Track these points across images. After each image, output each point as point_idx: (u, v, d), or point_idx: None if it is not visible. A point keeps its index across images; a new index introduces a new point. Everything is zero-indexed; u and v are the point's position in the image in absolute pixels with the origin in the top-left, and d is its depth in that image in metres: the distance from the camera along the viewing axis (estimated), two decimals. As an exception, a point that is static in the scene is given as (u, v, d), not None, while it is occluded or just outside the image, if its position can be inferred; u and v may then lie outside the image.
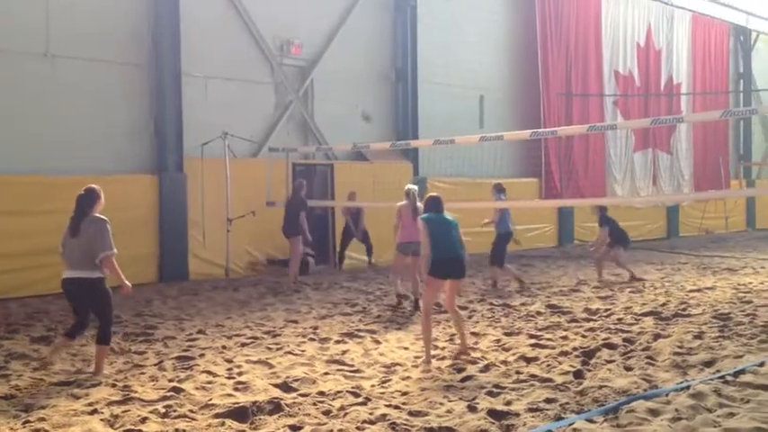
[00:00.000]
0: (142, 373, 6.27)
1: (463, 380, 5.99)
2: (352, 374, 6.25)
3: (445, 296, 7.16)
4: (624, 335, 7.57)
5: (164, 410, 5.12)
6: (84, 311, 6.37)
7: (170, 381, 5.96)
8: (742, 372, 5.88)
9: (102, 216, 6.31)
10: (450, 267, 6.79)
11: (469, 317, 8.98)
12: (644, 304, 9.54)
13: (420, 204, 9.13)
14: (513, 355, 6.83)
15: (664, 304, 9.52)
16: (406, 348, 7.28)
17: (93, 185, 6.47)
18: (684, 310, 9.04)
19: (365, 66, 15.53)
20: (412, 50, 15.99)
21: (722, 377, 5.74)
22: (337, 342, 7.58)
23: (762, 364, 6.08)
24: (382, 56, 15.89)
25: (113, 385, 5.84)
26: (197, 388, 5.72)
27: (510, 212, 11.75)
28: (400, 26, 15.95)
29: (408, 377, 6.14)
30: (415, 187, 10.01)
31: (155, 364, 6.59)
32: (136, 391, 5.61)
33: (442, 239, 6.80)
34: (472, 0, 17.38)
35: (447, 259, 6.75)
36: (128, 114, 12.16)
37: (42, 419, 4.96)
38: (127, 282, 6.30)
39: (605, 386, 5.58)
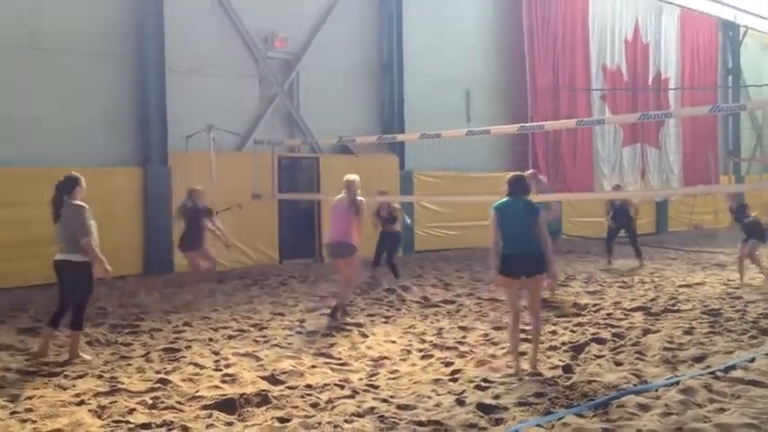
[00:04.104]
0: (129, 365, 6.23)
1: (452, 374, 5.96)
2: (339, 367, 6.22)
3: (527, 299, 6.33)
4: (613, 330, 7.57)
5: (151, 402, 5.09)
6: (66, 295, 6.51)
7: (157, 372, 5.93)
8: (732, 367, 5.90)
9: (79, 203, 6.42)
10: (521, 264, 5.97)
11: (457, 311, 8.97)
12: (633, 299, 9.55)
13: (361, 198, 8.54)
14: (502, 349, 6.80)
15: (653, 299, 9.53)
16: (393, 342, 7.25)
17: (74, 173, 6.62)
18: (674, 305, 9.04)
19: (351, 59, 15.44)
20: (398, 43, 15.91)
21: (712, 373, 5.76)
22: (324, 335, 7.54)
23: (752, 360, 6.10)
24: (368, 49, 15.80)
25: (100, 376, 5.81)
26: (184, 380, 5.69)
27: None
28: (386, 19, 15.87)
29: (396, 370, 6.11)
30: (356, 177, 8.65)
31: (141, 356, 6.55)
32: (123, 383, 5.58)
33: (513, 231, 5.99)
34: (459, -7, 17.36)
35: (516, 255, 5.95)
36: (112, 107, 12.04)
37: (29, 410, 4.93)
38: (108, 267, 6.43)
39: (595, 381, 5.58)
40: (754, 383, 5.43)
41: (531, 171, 10.17)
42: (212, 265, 10.21)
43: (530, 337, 6.48)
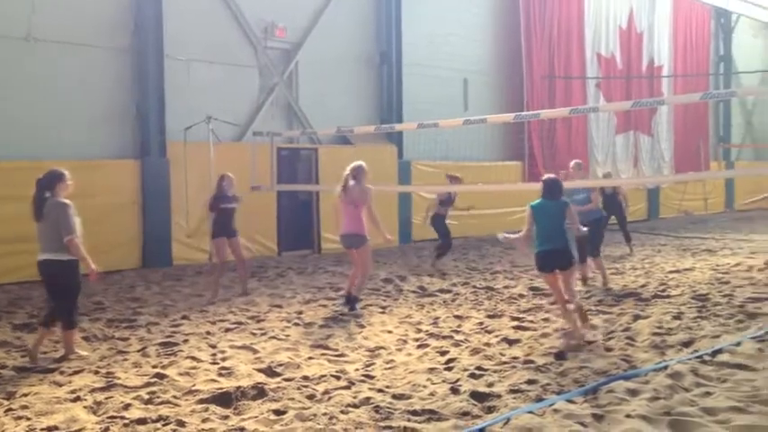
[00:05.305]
0: (125, 360, 6.27)
1: (447, 363, 6.04)
2: (336, 359, 6.28)
3: (563, 288, 6.91)
4: (605, 316, 7.68)
5: (147, 397, 5.13)
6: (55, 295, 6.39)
7: (153, 367, 5.97)
8: (719, 351, 5.99)
9: (62, 200, 6.28)
10: (553, 259, 6.75)
11: (453, 300, 9.05)
12: (624, 285, 9.67)
13: (369, 186, 8.48)
14: (496, 337, 6.89)
15: (644, 285, 9.65)
16: (389, 332, 7.31)
17: (57, 168, 6.44)
18: (664, 291, 9.16)
19: (350, 49, 15.47)
20: (396, 33, 15.94)
21: (700, 357, 5.85)
22: (321, 326, 7.61)
23: (738, 344, 6.19)
24: (367, 39, 15.83)
25: (96, 372, 5.85)
26: (181, 374, 5.74)
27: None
28: (384, 9, 15.89)
29: (392, 360, 6.17)
30: (359, 164, 8.57)
31: (138, 351, 6.58)
32: (119, 378, 5.62)
33: (545, 230, 6.75)
34: (456, -17, 17.35)
35: (548, 252, 6.72)
36: (110, 98, 12.06)
37: (25, 407, 4.96)
38: (93, 266, 6.28)
39: (585, 367, 5.67)
40: (740, 367, 5.54)
41: (576, 161, 10.36)
42: (241, 257, 9.79)
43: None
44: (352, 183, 8.46)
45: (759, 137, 27.73)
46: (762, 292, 8.85)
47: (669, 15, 23.08)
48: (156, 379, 5.56)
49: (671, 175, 22.73)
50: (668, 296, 8.78)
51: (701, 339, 6.50)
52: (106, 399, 5.08)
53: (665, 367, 5.54)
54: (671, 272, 10.90)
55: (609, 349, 6.30)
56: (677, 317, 7.50)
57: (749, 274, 10.44)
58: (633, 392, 4.99)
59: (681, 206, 23.20)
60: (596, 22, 20.40)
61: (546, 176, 7.18)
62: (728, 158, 26.24)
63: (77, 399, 5.13)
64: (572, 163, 10.29)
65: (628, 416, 4.53)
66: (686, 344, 6.37)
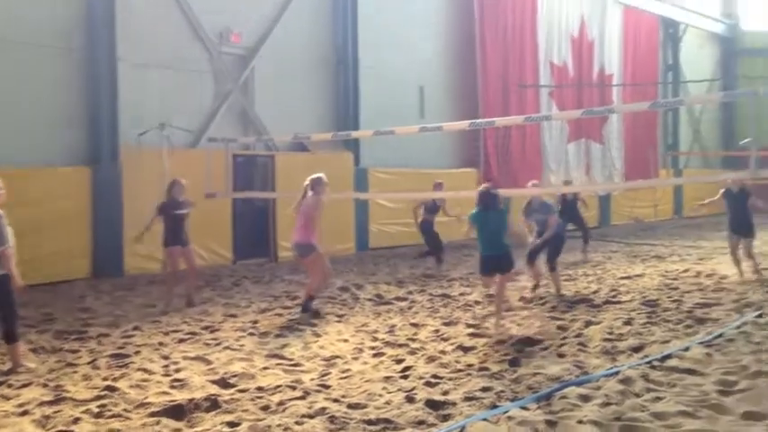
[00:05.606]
0: (75, 372, 6.12)
1: (402, 371, 6.05)
2: (291, 368, 6.23)
3: (496, 286, 7.86)
4: (558, 322, 7.80)
5: (97, 410, 5.02)
6: None
7: (104, 379, 5.85)
8: (669, 356, 6.12)
9: None
10: (493, 264, 7.60)
11: (409, 307, 9.08)
12: (576, 292, 9.83)
13: (322, 198, 8.64)
14: (452, 344, 6.94)
15: (595, 292, 9.83)
16: (345, 341, 7.29)
17: None
18: (615, 297, 9.34)
19: (306, 55, 15.42)
20: (353, 41, 15.94)
21: (650, 362, 5.97)
22: (277, 336, 7.55)
23: (687, 349, 6.34)
24: (323, 46, 15.80)
25: (45, 385, 5.71)
26: (132, 386, 5.63)
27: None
28: (341, 15, 15.88)
29: (348, 369, 6.16)
30: (318, 176, 8.74)
31: (88, 363, 6.44)
32: (68, 391, 5.49)
33: (486, 237, 7.58)
34: (411, -9, 17.46)
35: (490, 256, 7.58)
36: (60, 103, 11.75)
37: (-30, 423, 4.82)
38: (19, 280, 6.12)
39: (539, 373, 5.74)
40: (689, 372, 5.67)
41: (533, 182, 10.94)
42: (193, 267, 9.65)
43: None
44: (310, 193, 8.63)
45: (706, 145, 28.55)
46: (710, 297, 9.10)
47: (619, 24, 23.58)
48: (106, 392, 5.45)
49: (621, 183, 23.19)
50: (619, 302, 8.95)
51: (651, 345, 6.64)
52: (55, 412, 4.96)
53: (617, 373, 5.65)
54: (622, 278, 11.12)
55: (561, 355, 6.40)
56: (628, 322, 7.66)
57: (697, 279, 10.72)
58: (585, 398, 5.07)
59: (631, 213, 23.68)
60: (549, 31, 20.71)
61: (481, 188, 7.94)
62: (677, 166, 26.92)
63: (25, 413, 5.01)
64: (529, 184, 10.65)
65: (580, 422, 4.60)
66: (637, 349, 6.51)
